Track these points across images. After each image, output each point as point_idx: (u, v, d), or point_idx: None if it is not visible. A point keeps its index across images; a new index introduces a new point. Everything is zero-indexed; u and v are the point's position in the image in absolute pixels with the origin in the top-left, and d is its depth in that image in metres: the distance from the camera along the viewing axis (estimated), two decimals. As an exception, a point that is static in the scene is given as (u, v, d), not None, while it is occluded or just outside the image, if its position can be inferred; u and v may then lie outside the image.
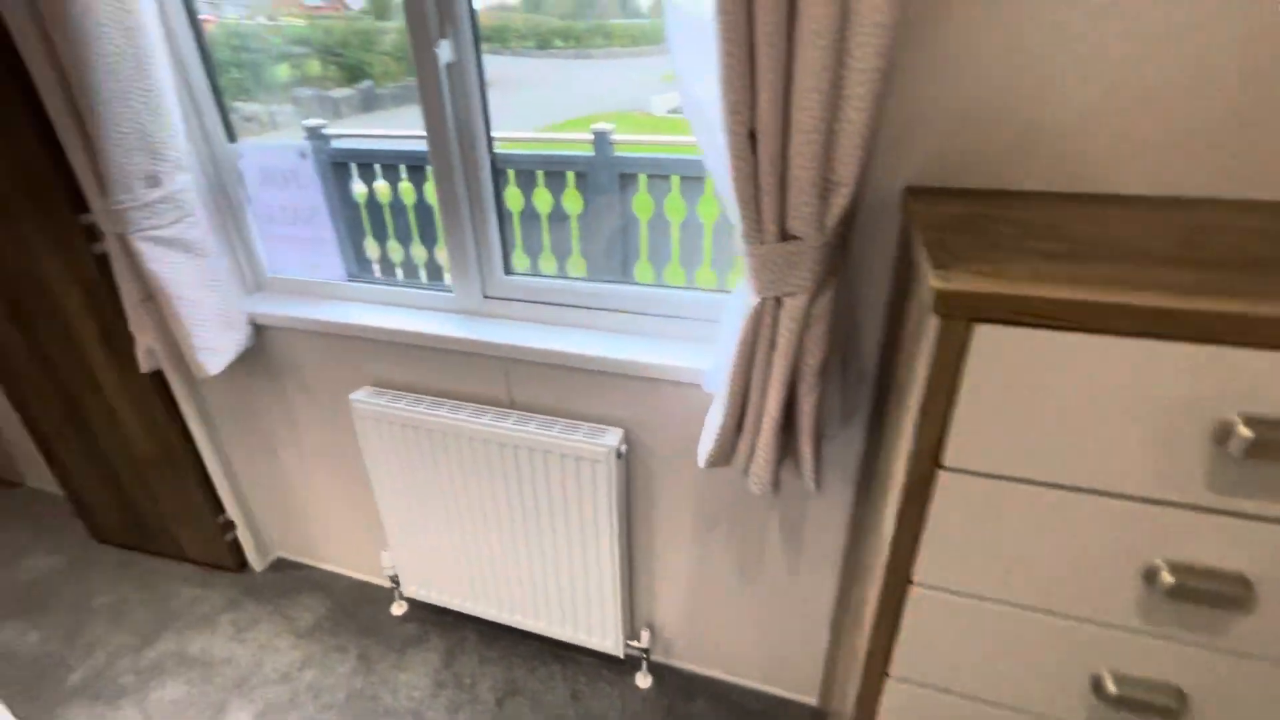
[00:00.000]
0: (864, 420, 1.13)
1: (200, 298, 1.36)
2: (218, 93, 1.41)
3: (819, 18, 0.71)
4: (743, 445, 1.02)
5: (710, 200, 3.18)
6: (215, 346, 1.40)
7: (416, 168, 3.51)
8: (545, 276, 1.36)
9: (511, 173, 3.33)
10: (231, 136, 1.45)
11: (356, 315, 1.44)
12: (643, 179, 3.36)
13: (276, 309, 1.50)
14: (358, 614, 1.79)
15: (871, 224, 0.98)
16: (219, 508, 1.86)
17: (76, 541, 2.11)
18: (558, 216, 3.42)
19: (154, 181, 1.25)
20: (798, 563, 1.33)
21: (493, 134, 1.26)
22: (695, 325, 1.25)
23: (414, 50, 1.17)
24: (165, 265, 1.30)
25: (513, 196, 3.38)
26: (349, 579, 1.91)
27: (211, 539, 1.90)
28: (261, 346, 1.56)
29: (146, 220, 1.26)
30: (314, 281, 1.54)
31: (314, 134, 3.18)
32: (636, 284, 1.31)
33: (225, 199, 1.48)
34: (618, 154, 3.47)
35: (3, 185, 1.44)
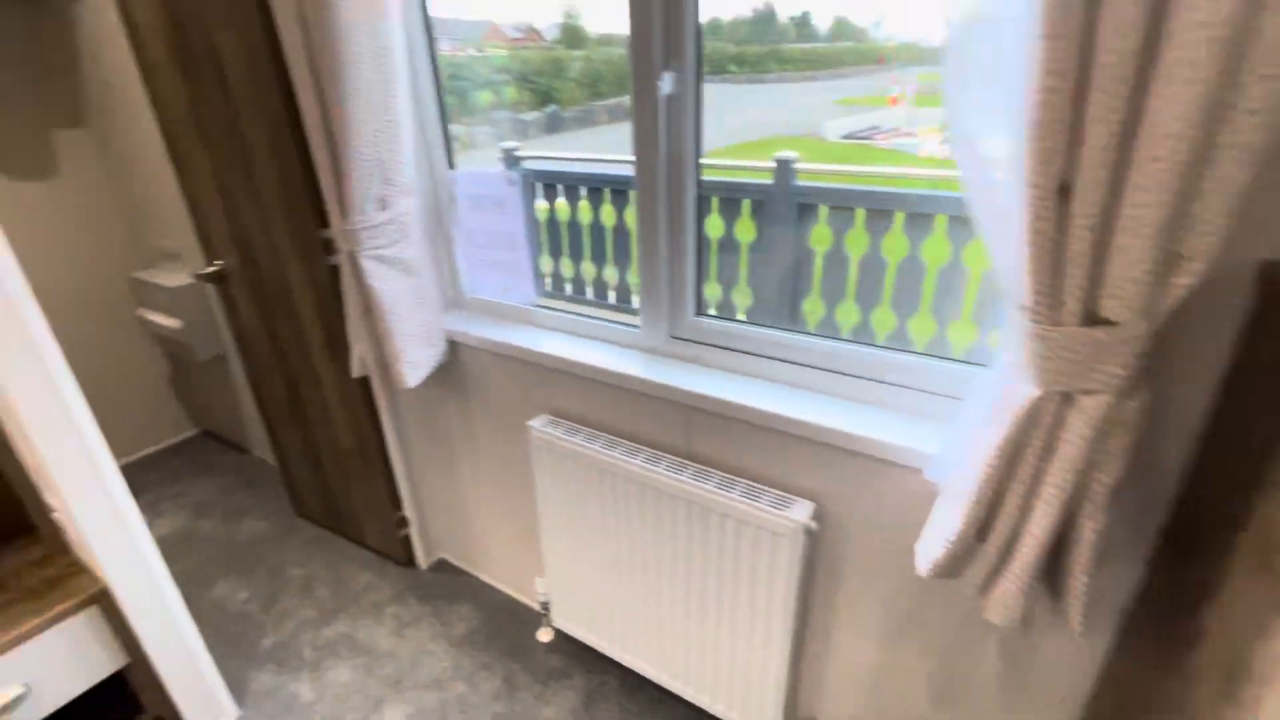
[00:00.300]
0: (1145, 552, 0.88)
1: (409, 314, 1.44)
2: (445, 122, 1.49)
3: (1198, 44, 0.53)
4: (984, 561, 0.83)
5: (898, 237, 2.91)
6: (416, 361, 1.47)
7: (596, 190, 3.63)
8: (738, 321, 1.26)
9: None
10: (451, 163, 1.53)
11: (543, 343, 1.44)
12: (823, 210, 3.17)
13: (470, 328, 1.55)
14: (506, 632, 1.80)
15: (1194, 305, 0.75)
16: (398, 504, 1.99)
17: (283, 512, 2.38)
18: (727, 244, 3.32)
19: (383, 205, 1.34)
20: (1016, 702, 1.09)
21: (701, 165, 1.19)
22: (916, 397, 1.07)
23: (634, 82, 1.13)
24: (384, 282, 1.38)
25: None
26: (502, 594, 1.94)
27: (388, 532, 2.04)
28: (453, 362, 1.63)
29: (372, 240, 1.35)
30: (506, 304, 1.57)
31: (509, 155, 3.38)
32: (842, 340, 1.15)
33: (438, 221, 1.57)
34: (799, 183, 3.31)
35: (272, 201, 1.64)
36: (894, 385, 1.09)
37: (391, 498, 1.97)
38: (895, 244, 2.93)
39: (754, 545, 1.17)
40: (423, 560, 2.07)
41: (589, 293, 3.58)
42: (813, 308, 3.26)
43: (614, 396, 1.36)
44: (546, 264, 3.72)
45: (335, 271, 1.62)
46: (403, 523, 2.01)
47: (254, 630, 1.86)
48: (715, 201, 3.33)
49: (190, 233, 2.02)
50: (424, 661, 1.73)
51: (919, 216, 2.78)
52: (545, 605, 1.71)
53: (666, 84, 1.10)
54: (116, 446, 2.72)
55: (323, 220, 1.58)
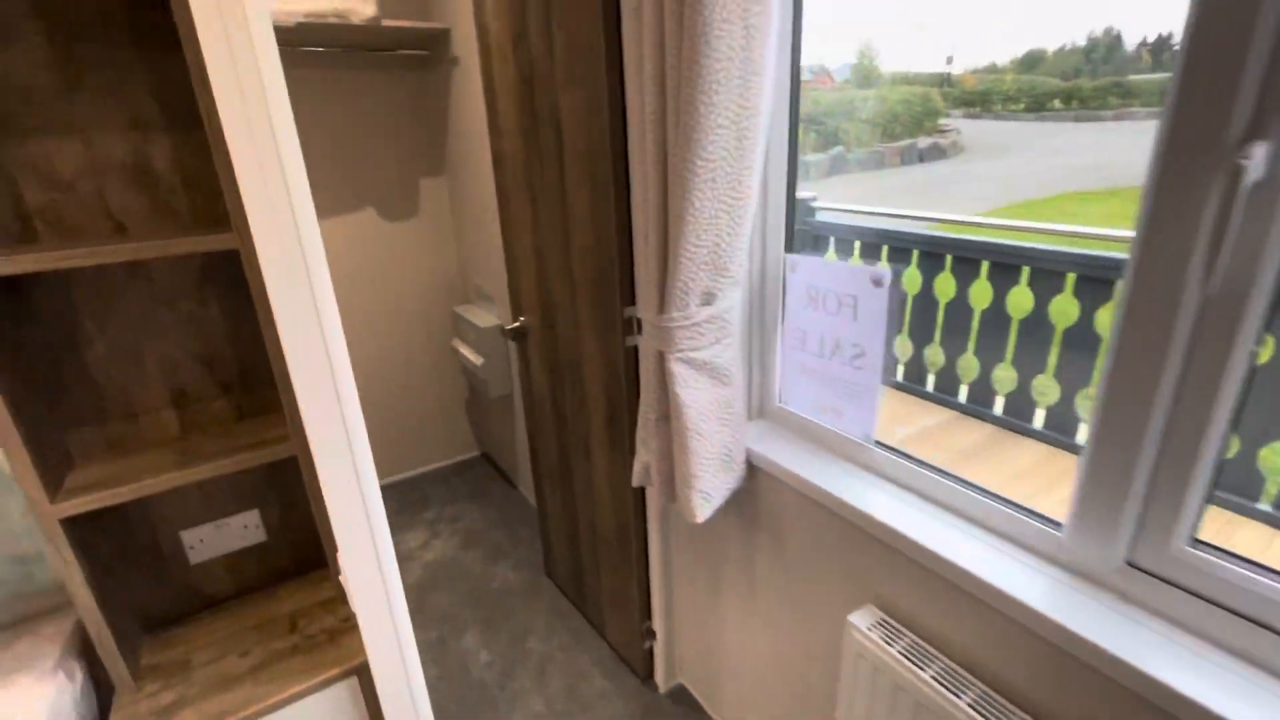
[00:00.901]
0: None
1: (712, 432, 1.14)
2: (792, 196, 1.18)
3: None
4: None
5: None
6: (710, 490, 1.17)
7: (901, 249, 3.10)
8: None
9: (986, 265, 2.64)
10: (790, 244, 1.21)
11: (879, 502, 1.03)
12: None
13: (775, 452, 1.20)
14: (751, 833, 1.40)
15: None
16: (648, 613, 1.73)
17: (534, 565, 2.33)
18: (1077, 335, 2.45)
19: (709, 299, 1.07)
20: None
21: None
22: None
23: (1167, 153, 0.66)
24: (692, 391, 1.11)
25: (1019, 301, 2.61)
26: (749, 769, 1.55)
27: (631, 637, 1.79)
28: (746, 486, 1.29)
29: (688, 340, 1.08)
30: (828, 430, 1.19)
31: (803, 206, 2.99)
32: None
33: (760, 316, 1.26)
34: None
35: (581, 272, 1.52)
36: None
37: (642, 604, 1.72)
38: None
39: None
40: (662, 681, 1.78)
41: (961, 393, 2.79)
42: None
43: (1002, 629, 0.87)
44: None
45: (632, 354, 1.42)
46: (649, 634, 1.75)
47: (487, 707, 1.75)
48: (1021, 272, 2.57)
49: (504, 283, 2.06)
50: (649, 833, 1.42)
51: None
52: (813, 832, 1.27)
53: (1257, 163, 0.61)
54: (415, 456, 3.03)
55: (628, 297, 1.39)
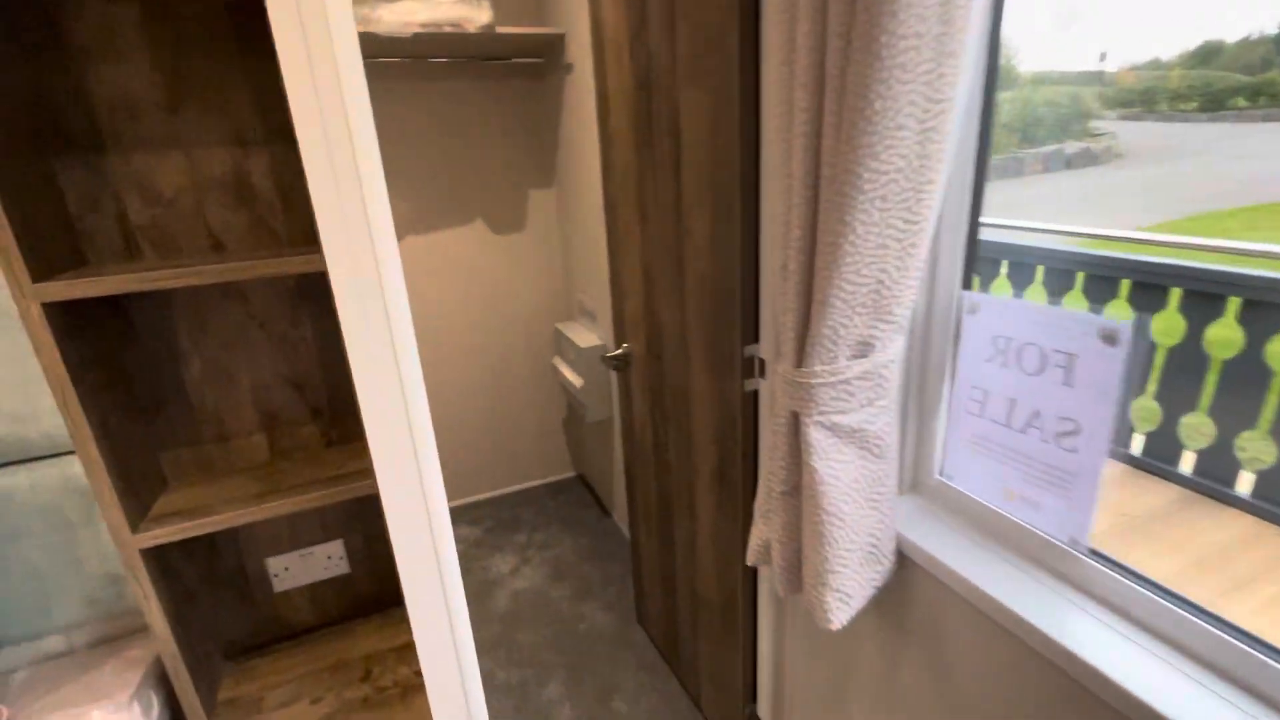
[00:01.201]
0: None
1: (855, 517, 0.90)
2: (976, 216, 0.92)
3: None
4: None
5: None
6: (849, 590, 0.92)
7: (1061, 271, 2.65)
8: None
9: (1178, 293, 2.17)
10: (967, 279, 0.94)
11: (1092, 640, 0.74)
12: None
13: (935, 542, 0.93)
14: None
15: None
16: (752, 695, 1.49)
17: (624, 608, 2.14)
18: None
19: (864, 350, 0.83)
20: None
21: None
22: None
23: None
24: (833, 465, 0.87)
25: (1223, 337, 2.10)
26: None
27: (732, 718, 1.56)
28: (896, 576, 1.03)
29: (834, 401, 0.85)
30: (1014, 524, 0.91)
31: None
32: None
33: (920, 367, 1.00)
34: None
35: (693, 301, 1.32)
36: None
37: (746, 683, 1.48)
38: None
39: None
40: (765, 774, 1.53)
41: (1135, 445, 2.19)
42: None
43: None
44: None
45: (750, 400, 1.20)
46: (753, 718, 1.51)
47: (567, 775, 1.59)
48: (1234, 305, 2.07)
49: (609, 303, 1.91)
50: None
51: None
52: None
53: None
54: (510, 473, 2.96)
55: (751, 334, 1.17)
